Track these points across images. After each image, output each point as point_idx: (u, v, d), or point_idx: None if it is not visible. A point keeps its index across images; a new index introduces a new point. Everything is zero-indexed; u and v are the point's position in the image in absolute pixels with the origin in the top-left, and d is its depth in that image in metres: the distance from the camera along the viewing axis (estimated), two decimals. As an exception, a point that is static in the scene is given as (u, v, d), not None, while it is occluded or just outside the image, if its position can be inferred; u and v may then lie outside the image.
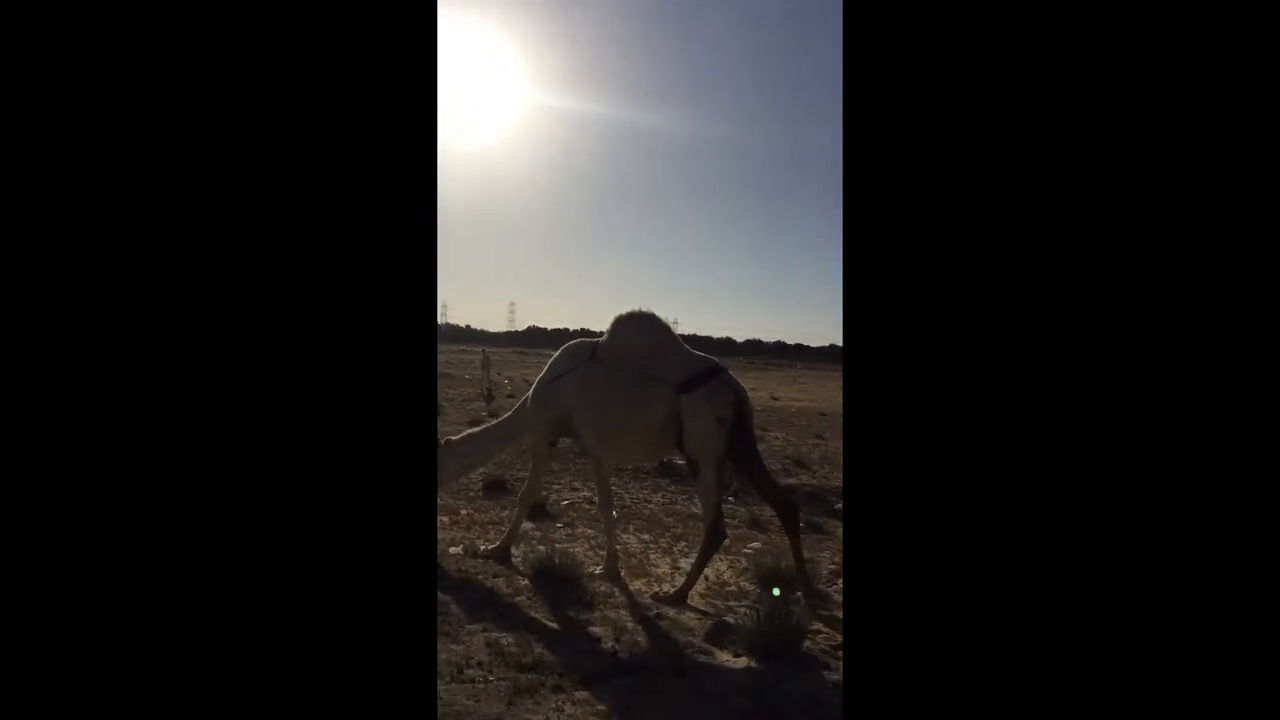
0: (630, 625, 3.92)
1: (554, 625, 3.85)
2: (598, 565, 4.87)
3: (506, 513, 6.44)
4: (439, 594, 4.09)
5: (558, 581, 4.46)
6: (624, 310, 4.83)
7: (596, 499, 5.27)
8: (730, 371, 4.61)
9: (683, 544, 5.81)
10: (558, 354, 4.97)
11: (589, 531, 6.11)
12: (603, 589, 4.50)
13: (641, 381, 4.42)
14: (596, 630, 3.82)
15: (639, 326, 4.66)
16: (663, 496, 7.45)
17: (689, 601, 4.42)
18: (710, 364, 4.47)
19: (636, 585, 4.70)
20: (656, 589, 4.63)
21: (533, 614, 3.99)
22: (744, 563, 5.40)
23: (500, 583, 4.47)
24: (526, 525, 6.02)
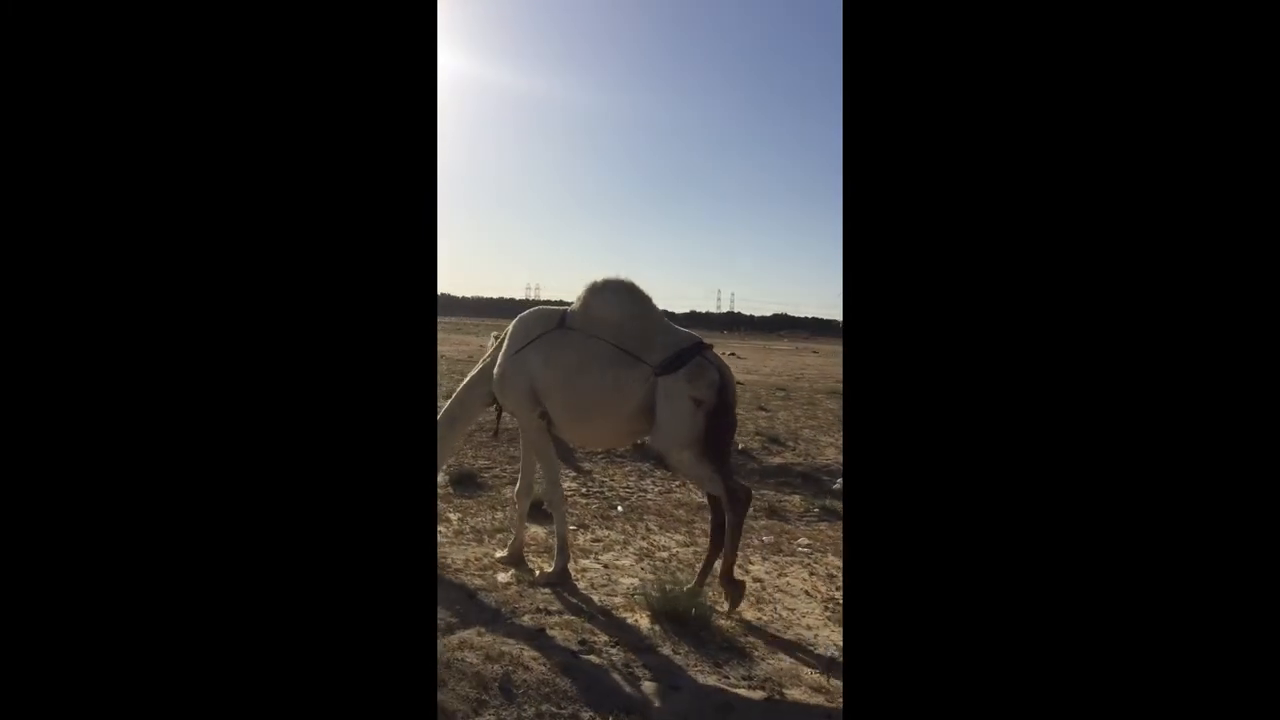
0: (825, 683, 3.10)
1: (746, 693, 2.93)
2: (677, 578, 3.91)
3: (502, 514, 5.29)
4: (573, 674, 3.01)
5: (679, 621, 3.50)
6: (597, 278, 4.09)
7: (517, 484, 4.46)
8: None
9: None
10: (516, 323, 4.22)
11: (609, 533, 5.13)
12: (725, 622, 3.60)
13: (619, 359, 3.79)
14: (802, 695, 2.96)
15: (617, 296, 3.98)
16: (654, 484, 6.56)
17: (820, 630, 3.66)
18: (694, 341, 3.85)
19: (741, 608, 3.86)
20: (766, 612, 3.82)
21: (718, 679, 3.03)
22: (821, 567, 4.71)
23: (612, 633, 3.44)
24: (531, 528, 4.93)
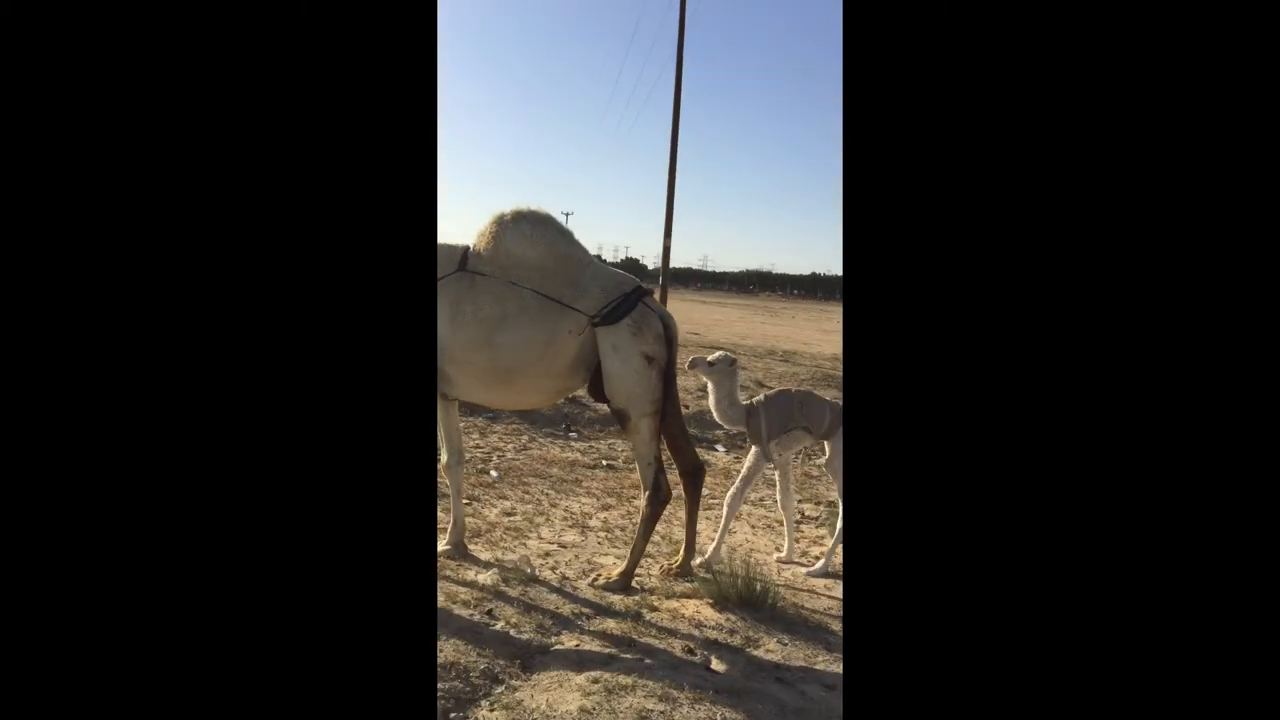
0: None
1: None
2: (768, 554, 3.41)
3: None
4: (751, 700, 2.42)
5: (751, 605, 3.03)
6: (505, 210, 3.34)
7: (442, 455, 3.53)
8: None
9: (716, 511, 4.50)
10: None
11: (509, 503, 4.34)
12: (783, 606, 3.17)
13: (547, 309, 3.15)
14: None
15: (535, 232, 3.27)
16: (502, 439, 5.71)
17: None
18: (631, 284, 3.30)
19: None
20: (770, 576, 3.54)
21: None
22: (752, 520, 4.53)
23: (682, 633, 2.86)
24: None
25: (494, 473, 4.89)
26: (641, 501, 3.37)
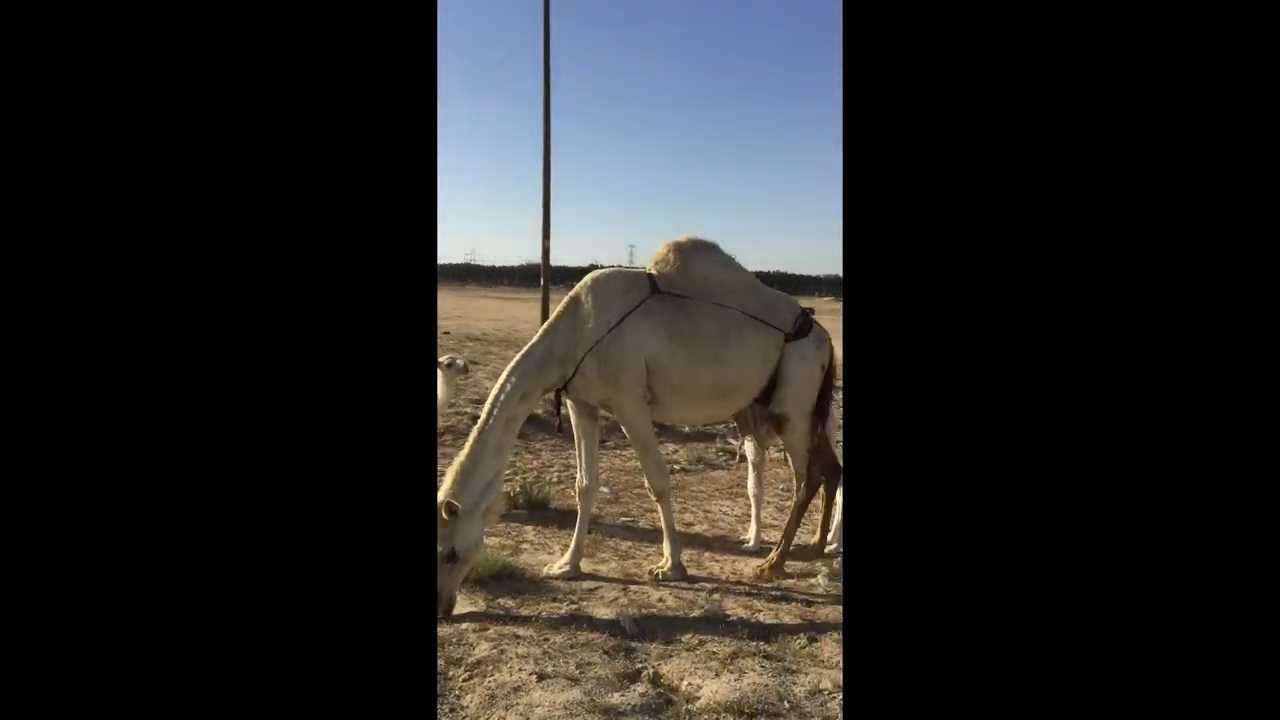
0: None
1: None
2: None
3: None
4: None
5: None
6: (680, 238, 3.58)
7: (648, 481, 3.50)
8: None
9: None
10: (596, 289, 3.36)
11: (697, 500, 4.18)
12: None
13: (755, 326, 3.41)
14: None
15: (717, 257, 3.57)
16: (618, 459, 5.43)
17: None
18: (798, 304, 3.66)
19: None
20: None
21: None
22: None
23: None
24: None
25: (606, 489, 4.67)
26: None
